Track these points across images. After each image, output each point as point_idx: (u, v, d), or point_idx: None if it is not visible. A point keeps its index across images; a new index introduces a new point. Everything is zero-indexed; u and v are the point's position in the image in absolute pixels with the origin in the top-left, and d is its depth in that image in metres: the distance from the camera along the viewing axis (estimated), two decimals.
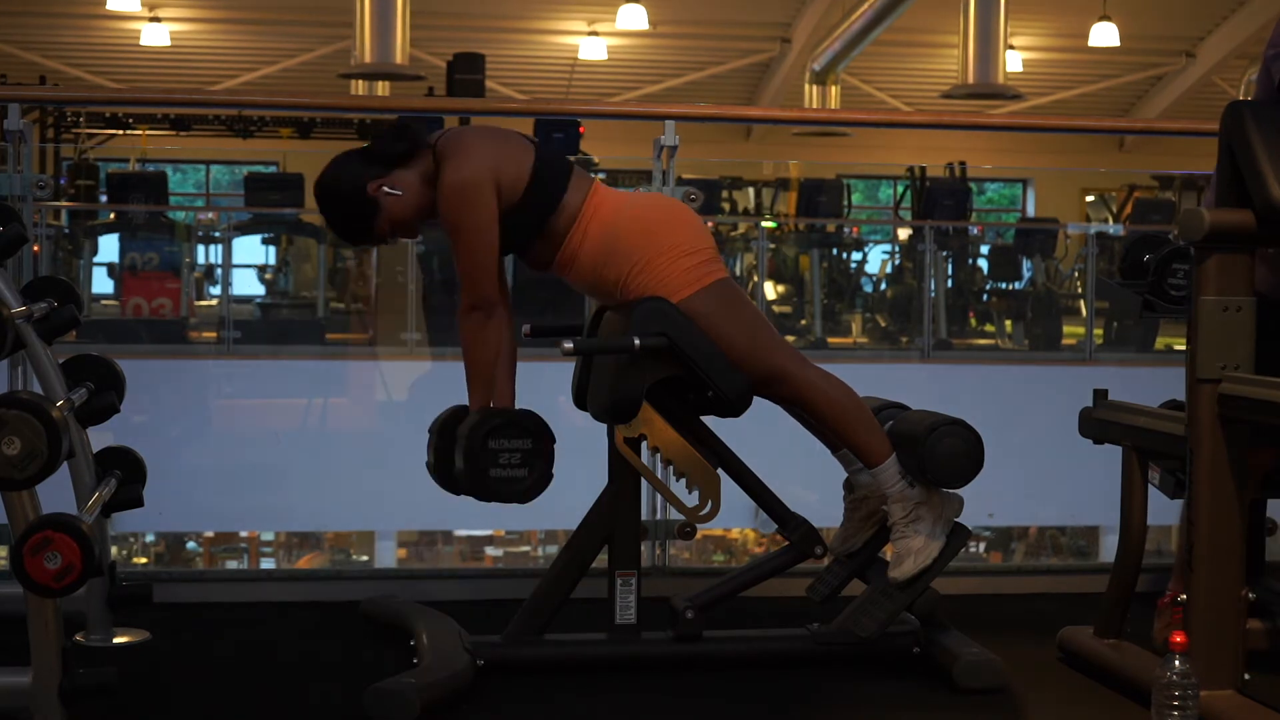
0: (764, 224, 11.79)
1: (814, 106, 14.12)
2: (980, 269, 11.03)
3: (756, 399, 2.83)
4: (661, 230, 2.81)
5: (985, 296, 10.87)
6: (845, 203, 12.32)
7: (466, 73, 12.80)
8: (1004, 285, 11.04)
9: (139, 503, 3.00)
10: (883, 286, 11.39)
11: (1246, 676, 2.57)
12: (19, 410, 2.23)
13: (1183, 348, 2.62)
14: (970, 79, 11.95)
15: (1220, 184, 2.57)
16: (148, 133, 14.58)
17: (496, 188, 2.76)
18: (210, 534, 9.58)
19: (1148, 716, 2.36)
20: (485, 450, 2.71)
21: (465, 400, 2.86)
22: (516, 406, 2.83)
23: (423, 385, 7.41)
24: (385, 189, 2.79)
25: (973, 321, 10.79)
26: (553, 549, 8.22)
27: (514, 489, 2.74)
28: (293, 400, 7.50)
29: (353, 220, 2.83)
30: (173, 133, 14.96)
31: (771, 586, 3.06)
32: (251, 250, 11.39)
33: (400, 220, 2.82)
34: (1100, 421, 2.94)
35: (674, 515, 3.09)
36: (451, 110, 13.36)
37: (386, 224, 2.82)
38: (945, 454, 2.78)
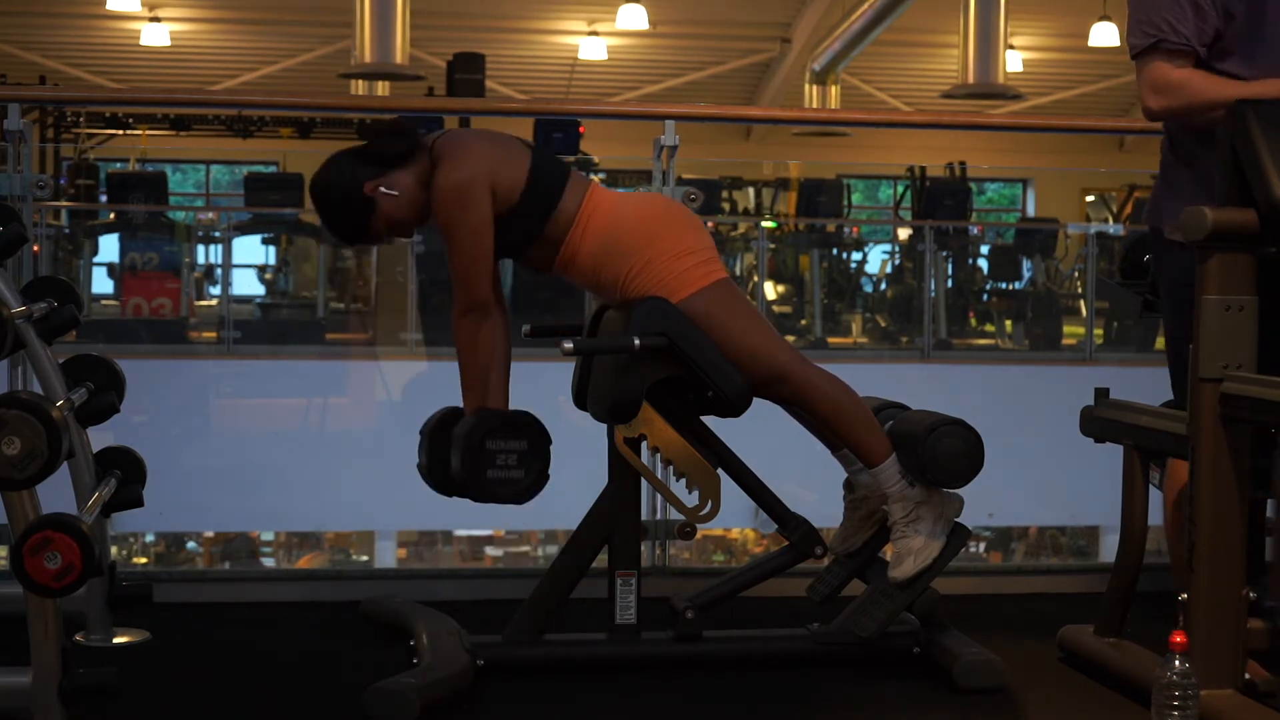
0: (764, 224, 11.79)
1: (814, 106, 14.12)
2: (980, 269, 11.03)
3: (756, 399, 2.83)
4: (660, 230, 2.81)
5: (985, 296, 10.88)
6: (845, 203, 12.33)
7: (466, 73, 12.80)
8: (1004, 285, 11.05)
9: (139, 503, 3.00)
10: (883, 286, 11.40)
11: (1247, 676, 2.57)
12: (19, 410, 2.23)
13: None
14: (970, 79, 11.95)
15: (1223, 183, 2.57)
16: (148, 133, 14.59)
17: (492, 191, 2.75)
18: (210, 534, 9.58)
19: (1148, 716, 2.36)
20: (483, 451, 2.71)
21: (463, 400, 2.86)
22: (512, 408, 2.83)
23: (422, 385, 7.41)
24: (382, 189, 2.78)
25: (973, 321, 10.80)
26: (553, 549, 8.22)
27: (511, 489, 2.74)
28: (293, 400, 7.50)
29: (348, 220, 2.83)
30: (173, 133, 14.97)
31: (771, 586, 3.06)
32: (251, 250, 11.40)
33: (396, 220, 2.82)
34: (1102, 420, 2.94)
35: (674, 515, 3.09)
36: (451, 110, 13.36)
37: (382, 224, 2.81)
38: (945, 454, 2.78)
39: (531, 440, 2.74)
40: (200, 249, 10.58)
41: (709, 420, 2.94)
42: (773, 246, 10.97)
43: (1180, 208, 2.61)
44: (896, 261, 11.63)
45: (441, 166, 2.76)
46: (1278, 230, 2.46)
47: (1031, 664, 2.98)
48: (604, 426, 2.90)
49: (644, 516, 2.99)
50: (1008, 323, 10.75)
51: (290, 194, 10.17)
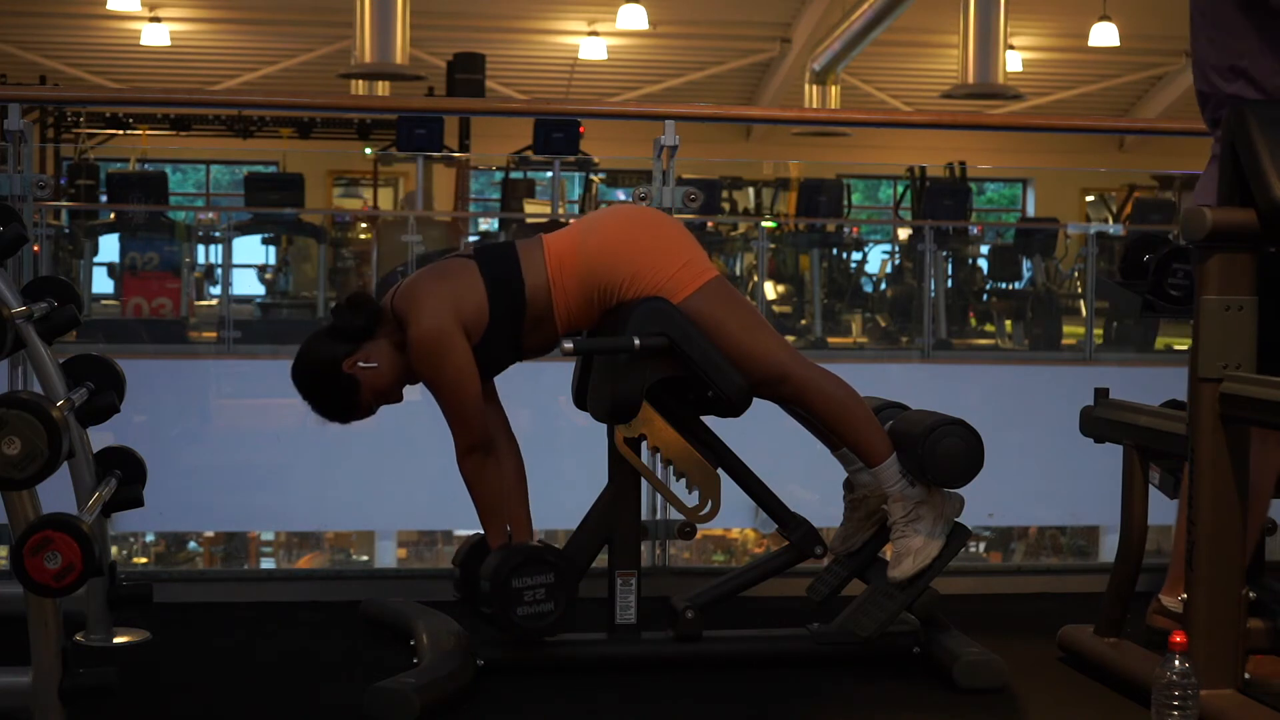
0: (764, 224, 11.80)
1: (814, 106, 14.13)
2: (980, 269, 11.04)
3: (756, 399, 2.82)
4: (632, 239, 2.79)
5: (985, 296, 10.88)
6: (845, 203, 12.33)
7: (466, 73, 12.81)
8: (1004, 285, 11.05)
9: (139, 503, 2.99)
10: (883, 286, 11.40)
11: (1246, 676, 2.57)
12: (19, 410, 2.22)
13: (1182, 348, 2.62)
14: (970, 79, 11.96)
15: (1223, 183, 2.57)
16: (148, 133, 14.60)
17: (462, 327, 2.73)
18: (210, 534, 9.59)
19: (1148, 716, 2.35)
20: (509, 590, 2.73)
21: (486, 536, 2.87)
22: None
23: (422, 384, 7.40)
24: (360, 364, 2.77)
25: (973, 321, 10.80)
26: None
27: (542, 624, 2.76)
28: (293, 400, 7.49)
29: (337, 402, 2.82)
30: (173, 133, 14.98)
31: (771, 586, 3.06)
32: (251, 250, 11.41)
33: (382, 390, 2.81)
34: (1102, 420, 2.94)
35: (674, 515, 3.09)
36: (451, 110, 13.39)
37: (370, 396, 2.81)
38: (945, 453, 2.77)
39: (558, 572, 2.76)
40: (200, 249, 10.59)
41: (709, 420, 2.94)
42: (773, 246, 10.98)
43: None
44: (896, 261, 11.64)
45: (407, 323, 2.74)
46: (1278, 230, 2.46)
47: (1031, 664, 2.98)
48: (604, 426, 2.90)
49: (644, 516, 2.99)
50: (1008, 323, 10.76)
51: (290, 194, 10.19)
